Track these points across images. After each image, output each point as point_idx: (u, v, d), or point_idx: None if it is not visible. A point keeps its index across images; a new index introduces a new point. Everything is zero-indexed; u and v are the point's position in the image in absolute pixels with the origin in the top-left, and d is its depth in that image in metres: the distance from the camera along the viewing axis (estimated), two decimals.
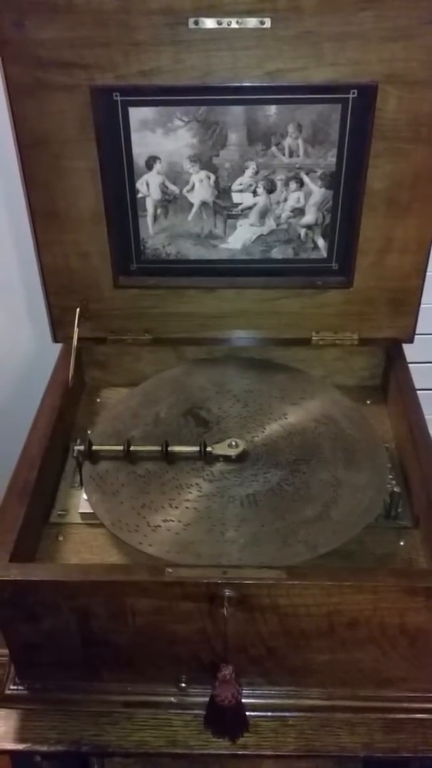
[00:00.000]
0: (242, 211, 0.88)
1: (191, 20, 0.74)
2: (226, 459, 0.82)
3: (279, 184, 0.86)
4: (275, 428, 0.87)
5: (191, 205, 0.88)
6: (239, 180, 0.86)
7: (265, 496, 0.78)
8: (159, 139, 0.83)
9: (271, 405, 0.90)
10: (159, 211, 0.89)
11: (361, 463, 0.81)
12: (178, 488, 0.80)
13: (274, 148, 0.84)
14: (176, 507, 0.78)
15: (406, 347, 0.96)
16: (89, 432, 0.89)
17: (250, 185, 0.86)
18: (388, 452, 0.85)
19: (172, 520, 0.76)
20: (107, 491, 0.80)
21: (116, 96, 0.80)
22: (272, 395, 0.91)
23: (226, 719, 0.68)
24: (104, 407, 0.96)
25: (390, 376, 0.95)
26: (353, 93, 0.79)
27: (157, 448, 0.81)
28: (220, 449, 0.82)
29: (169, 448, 0.80)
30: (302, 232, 0.90)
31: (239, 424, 0.88)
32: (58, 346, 0.97)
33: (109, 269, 0.91)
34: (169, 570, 0.65)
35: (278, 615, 0.66)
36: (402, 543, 0.77)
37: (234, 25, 0.74)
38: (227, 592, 0.64)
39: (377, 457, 0.82)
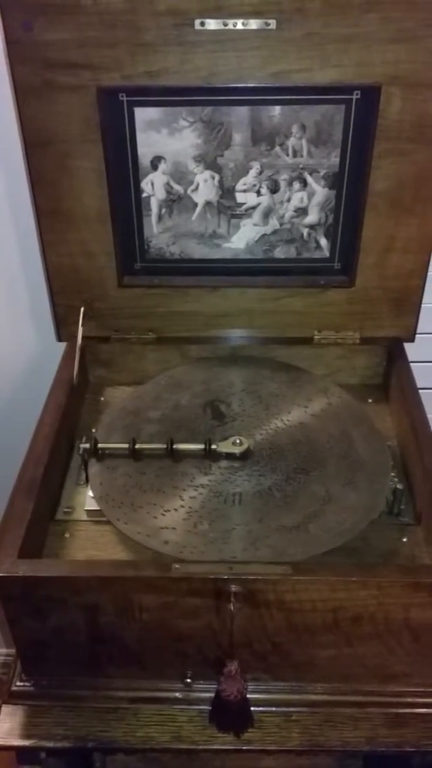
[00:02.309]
0: (246, 210, 0.89)
1: (197, 21, 0.75)
2: (231, 456, 0.83)
3: (282, 184, 0.87)
4: (287, 435, 0.87)
5: (195, 204, 0.89)
6: (243, 180, 0.87)
7: (251, 497, 0.79)
8: (164, 139, 0.84)
9: (291, 412, 0.90)
10: (163, 210, 0.89)
11: (359, 484, 0.79)
12: (173, 474, 0.81)
13: (278, 149, 0.84)
14: (163, 492, 0.79)
15: (407, 346, 0.96)
16: (94, 428, 0.90)
17: (254, 185, 0.87)
18: (390, 450, 0.85)
19: (154, 504, 0.78)
20: (108, 465, 0.81)
21: (122, 96, 0.81)
22: (296, 403, 0.91)
23: (231, 714, 0.68)
24: (108, 405, 0.97)
25: (391, 374, 0.96)
26: (357, 94, 0.80)
27: (162, 446, 0.81)
28: (225, 447, 0.82)
29: (174, 446, 0.81)
30: (305, 231, 0.91)
31: (253, 424, 0.88)
32: (61, 345, 0.98)
33: (113, 268, 0.92)
34: (176, 566, 0.65)
35: (284, 610, 0.67)
36: (405, 540, 0.77)
37: (239, 26, 0.75)
38: (234, 588, 0.64)
39: (379, 483, 0.79)
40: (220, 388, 0.94)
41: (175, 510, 0.77)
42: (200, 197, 0.88)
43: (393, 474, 0.82)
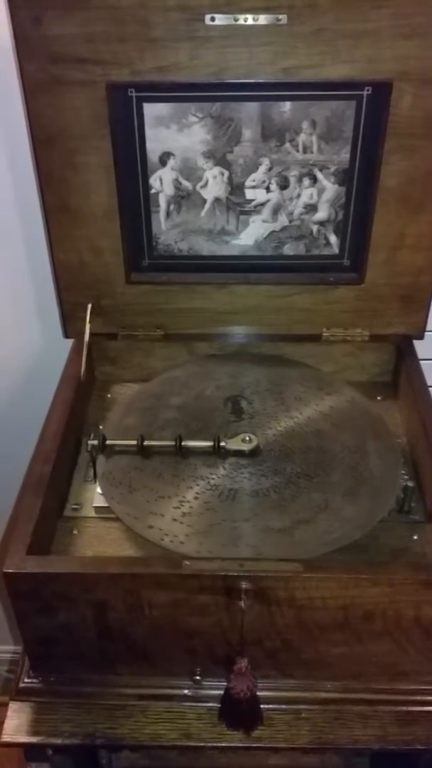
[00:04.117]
0: (255, 207, 0.89)
1: (207, 16, 0.74)
2: (239, 454, 0.82)
3: (292, 180, 0.87)
4: (300, 439, 0.85)
5: (204, 201, 0.88)
6: (252, 176, 0.86)
7: (246, 495, 0.78)
8: (173, 135, 0.84)
9: (310, 418, 0.88)
10: (172, 207, 0.89)
11: (361, 499, 0.77)
12: (177, 462, 0.82)
13: (287, 145, 0.84)
14: (163, 478, 0.80)
15: (416, 343, 0.96)
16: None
17: (264, 181, 0.87)
18: (399, 447, 0.85)
19: (151, 488, 0.79)
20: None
21: (131, 92, 0.81)
22: (319, 410, 0.89)
23: (240, 712, 0.68)
24: (115, 403, 0.97)
25: (401, 372, 0.95)
26: (368, 90, 0.80)
27: (171, 443, 0.81)
28: (233, 444, 0.82)
29: (183, 443, 0.81)
30: (315, 228, 0.90)
31: (269, 424, 0.87)
32: (68, 341, 0.97)
33: (121, 265, 0.91)
34: (187, 563, 0.65)
35: (294, 608, 0.66)
36: (415, 537, 0.77)
37: (250, 22, 0.75)
38: (244, 585, 0.64)
39: (382, 498, 0.77)
40: (246, 384, 0.94)
41: (169, 497, 0.78)
42: (209, 193, 0.88)
43: (403, 471, 0.82)
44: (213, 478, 0.80)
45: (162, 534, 0.73)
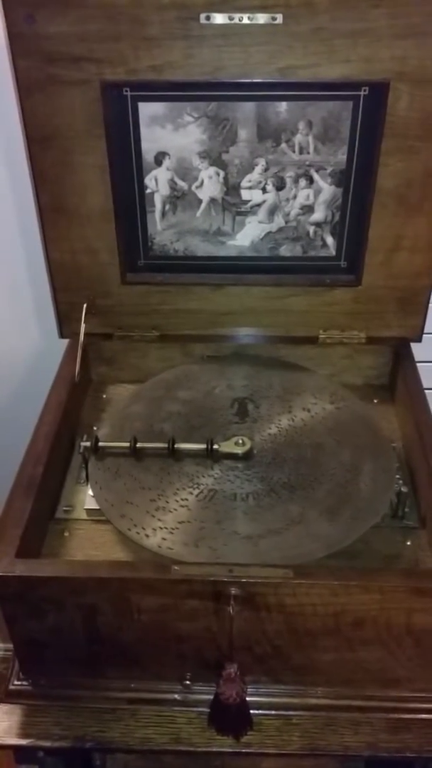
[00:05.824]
0: (251, 208, 0.88)
1: (203, 15, 0.74)
2: (232, 456, 0.82)
3: (288, 181, 0.86)
4: (297, 449, 0.84)
5: (200, 201, 0.88)
6: (248, 177, 0.86)
7: (223, 498, 0.77)
8: (169, 134, 0.83)
9: (314, 430, 0.86)
10: (167, 207, 0.88)
11: (340, 518, 0.75)
12: (164, 457, 0.81)
13: (284, 145, 0.83)
14: (149, 469, 0.80)
15: (413, 346, 0.95)
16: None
17: (260, 182, 0.86)
18: (395, 452, 0.84)
19: (135, 478, 0.79)
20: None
21: (126, 91, 0.80)
22: (324, 425, 0.87)
23: (230, 717, 0.67)
24: (110, 403, 0.96)
25: (398, 374, 0.94)
26: (365, 90, 0.79)
27: (164, 445, 0.81)
28: (227, 447, 0.81)
29: (176, 446, 0.80)
30: (311, 229, 0.90)
31: (270, 430, 0.86)
32: (65, 342, 0.97)
33: (116, 265, 0.91)
34: (176, 567, 0.65)
35: (284, 614, 0.66)
36: (408, 543, 0.76)
37: (245, 21, 0.74)
38: (233, 591, 0.64)
39: (360, 521, 0.74)
40: (258, 387, 0.93)
41: (149, 490, 0.78)
42: (205, 194, 0.87)
43: (398, 476, 0.81)
44: (198, 477, 0.80)
45: (131, 524, 0.74)
